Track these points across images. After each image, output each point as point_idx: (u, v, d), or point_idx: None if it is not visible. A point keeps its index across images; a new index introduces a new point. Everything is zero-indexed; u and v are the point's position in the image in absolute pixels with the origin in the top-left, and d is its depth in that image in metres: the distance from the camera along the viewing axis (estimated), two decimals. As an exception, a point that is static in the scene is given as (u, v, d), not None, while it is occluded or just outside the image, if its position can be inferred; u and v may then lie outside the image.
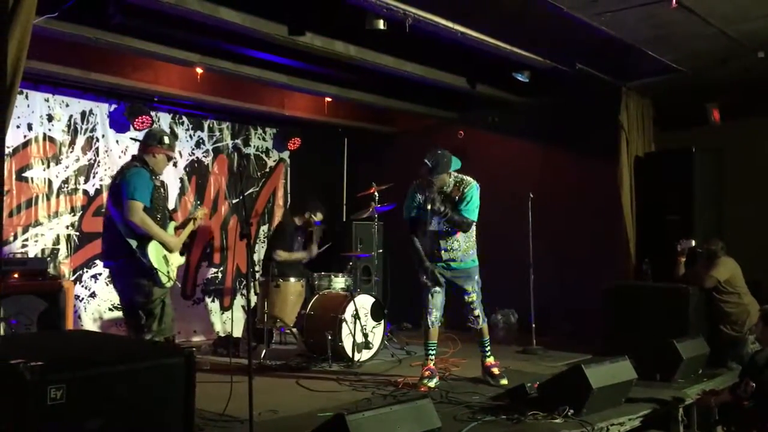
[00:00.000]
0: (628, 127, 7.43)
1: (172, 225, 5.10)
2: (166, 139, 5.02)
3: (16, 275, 6.28)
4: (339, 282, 7.17)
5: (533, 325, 7.34)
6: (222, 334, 8.13)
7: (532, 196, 7.42)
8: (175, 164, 8.39)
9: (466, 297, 5.79)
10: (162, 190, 5.04)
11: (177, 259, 5.08)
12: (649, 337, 5.94)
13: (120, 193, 4.76)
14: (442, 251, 5.78)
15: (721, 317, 6.39)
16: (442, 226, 5.71)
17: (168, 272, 4.86)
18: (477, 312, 5.78)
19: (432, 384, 5.51)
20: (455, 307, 8.49)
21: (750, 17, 5.46)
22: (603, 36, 5.83)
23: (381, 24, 5.42)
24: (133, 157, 5.07)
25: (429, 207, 5.55)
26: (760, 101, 7.21)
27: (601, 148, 7.62)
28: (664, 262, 6.82)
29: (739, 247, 6.66)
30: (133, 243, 4.70)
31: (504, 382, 5.59)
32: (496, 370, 5.73)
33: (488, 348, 5.87)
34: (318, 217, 7.48)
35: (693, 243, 6.64)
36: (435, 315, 5.74)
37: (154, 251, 4.76)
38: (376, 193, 7.26)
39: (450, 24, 5.68)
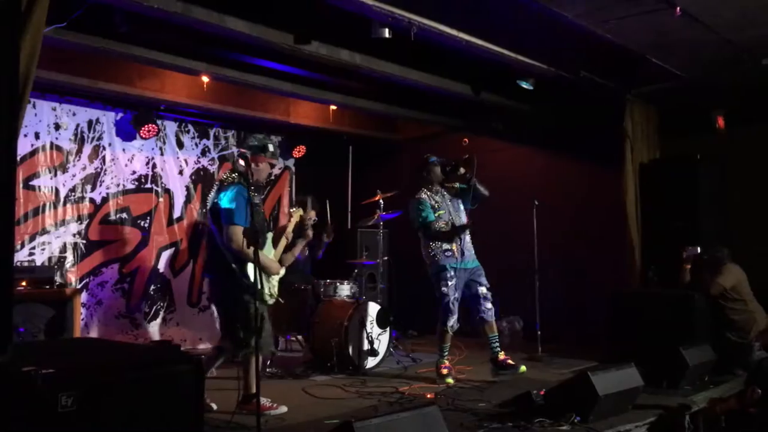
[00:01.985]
0: (633, 135, 7.44)
1: (269, 237, 5.06)
2: (270, 147, 4.93)
3: (23, 283, 6.30)
4: (344, 289, 7.18)
5: (539, 332, 7.33)
6: (228, 342, 8.12)
7: (537, 203, 7.43)
8: (180, 172, 8.44)
9: (484, 289, 6.18)
10: (258, 203, 4.95)
11: (281, 272, 5.08)
12: (655, 344, 5.93)
13: (218, 213, 4.71)
14: (465, 251, 6.17)
15: (726, 324, 6.38)
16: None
17: (269, 288, 4.88)
18: (490, 304, 6.14)
19: (451, 380, 5.91)
20: (463, 313, 8.51)
21: (755, 24, 5.48)
22: (607, 44, 5.85)
23: (386, 32, 5.43)
24: (233, 167, 4.97)
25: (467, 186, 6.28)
26: (764, 108, 7.21)
27: (605, 156, 7.62)
28: (670, 269, 6.82)
29: (745, 254, 6.65)
30: (233, 262, 4.68)
31: (523, 368, 5.94)
32: (511, 360, 6.01)
33: (498, 343, 6.14)
34: (310, 214, 7.41)
35: (698, 250, 6.64)
36: (455, 320, 6.07)
37: (255, 269, 4.68)
38: (381, 201, 7.28)
39: (455, 32, 5.70)
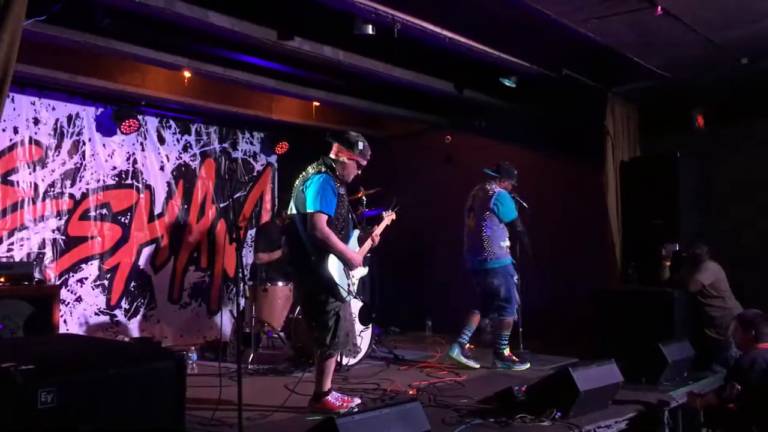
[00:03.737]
0: (614, 132, 7.49)
1: (356, 234, 4.96)
2: (360, 145, 4.85)
3: (1, 279, 6.24)
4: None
5: (520, 329, 7.36)
6: (209, 339, 8.11)
7: (519, 200, 7.45)
8: (162, 168, 8.39)
9: None
10: (345, 197, 4.82)
11: (359, 271, 4.95)
12: (635, 340, 5.98)
13: (303, 202, 4.62)
14: None
15: (706, 321, 6.45)
16: None
17: (348, 285, 4.76)
18: None
19: (525, 368, 6.32)
20: (449, 311, 8.54)
21: (734, 24, 5.54)
22: (589, 42, 5.88)
23: (370, 29, 5.43)
24: (321, 160, 4.85)
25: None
26: (743, 107, 7.29)
27: (587, 153, 7.67)
28: (650, 266, 6.88)
29: (724, 252, 6.73)
30: (314, 254, 4.58)
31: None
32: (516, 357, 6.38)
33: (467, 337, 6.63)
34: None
35: (677, 247, 6.71)
36: None
37: (335, 264, 4.63)
38: (363, 198, 7.27)
39: (438, 29, 5.71)
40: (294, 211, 4.76)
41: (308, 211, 4.57)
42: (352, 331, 4.90)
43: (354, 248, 4.92)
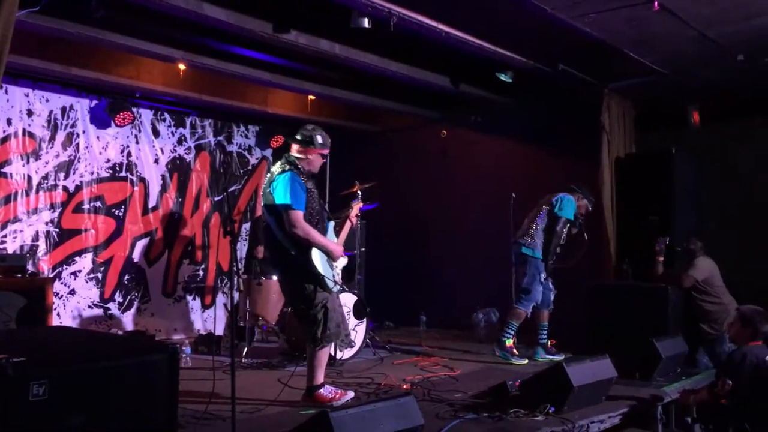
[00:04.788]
0: (610, 128, 7.49)
1: (331, 225, 4.97)
2: (320, 138, 4.83)
3: (-6, 271, 6.21)
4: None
5: (515, 324, 7.37)
6: (203, 332, 8.09)
7: (514, 196, 7.46)
8: (156, 161, 8.36)
9: None
10: (314, 190, 4.81)
11: (341, 261, 4.98)
12: (629, 335, 6.00)
13: (275, 201, 4.63)
14: None
15: (700, 316, 6.47)
16: None
17: (333, 275, 4.77)
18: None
19: (522, 362, 6.41)
20: (443, 306, 8.54)
21: (730, 20, 5.53)
22: (585, 37, 5.87)
23: (366, 22, 5.41)
24: (285, 158, 4.86)
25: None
26: (739, 104, 7.30)
27: (582, 149, 7.67)
28: (645, 262, 6.89)
29: (718, 248, 6.75)
30: (295, 251, 4.60)
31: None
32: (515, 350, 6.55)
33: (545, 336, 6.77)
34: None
35: (668, 240, 6.74)
36: None
37: (317, 256, 4.64)
38: (359, 192, 7.24)
39: (434, 23, 5.69)
40: (265, 213, 4.78)
41: (282, 210, 4.59)
42: (344, 322, 4.88)
43: (332, 239, 4.93)
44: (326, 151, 4.95)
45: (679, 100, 7.51)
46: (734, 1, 5.17)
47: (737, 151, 7.40)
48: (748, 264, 6.95)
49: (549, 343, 6.78)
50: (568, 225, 6.69)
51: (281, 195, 4.59)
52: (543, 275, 6.60)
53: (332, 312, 4.69)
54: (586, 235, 6.85)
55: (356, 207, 5.34)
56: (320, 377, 4.79)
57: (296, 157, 4.83)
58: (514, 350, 6.53)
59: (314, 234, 4.60)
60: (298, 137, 4.89)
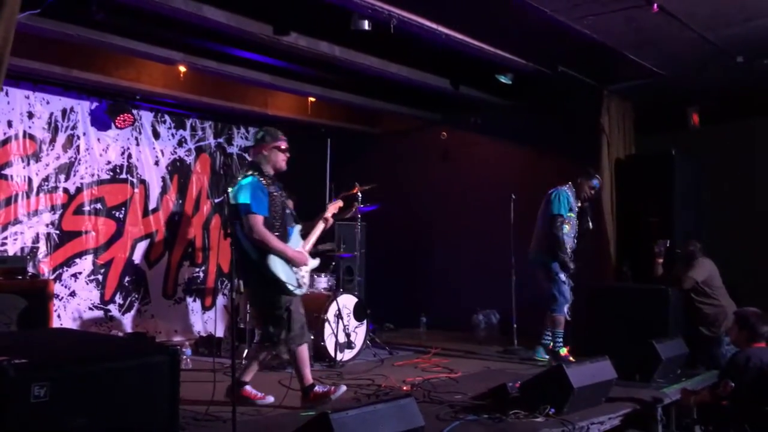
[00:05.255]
0: (609, 130, 7.50)
1: (297, 229, 4.94)
2: (268, 137, 4.85)
3: (-5, 273, 6.21)
4: (321, 282, 7.17)
5: (515, 326, 7.39)
6: (203, 334, 8.10)
7: (514, 197, 7.47)
8: (157, 163, 8.36)
9: None
10: (279, 193, 4.84)
11: (310, 263, 4.96)
12: (628, 337, 5.98)
13: (237, 206, 4.64)
14: None
15: (698, 318, 6.47)
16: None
17: (297, 279, 4.77)
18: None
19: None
20: (443, 307, 8.54)
21: (730, 23, 5.54)
22: (585, 39, 5.88)
23: (366, 25, 5.42)
24: (248, 164, 4.91)
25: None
26: (738, 105, 7.31)
27: (582, 151, 7.67)
28: (645, 264, 6.90)
29: (718, 249, 6.75)
30: (254, 255, 4.62)
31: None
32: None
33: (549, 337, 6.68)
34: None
35: (668, 243, 6.74)
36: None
37: (277, 260, 4.64)
38: (359, 194, 7.26)
39: (434, 25, 5.71)
40: (231, 218, 4.81)
41: (242, 214, 4.61)
42: (307, 324, 4.91)
43: (296, 244, 4.89)
44: (281, 144, 4.90)
45: (679, 101, 7.52)
46: (733, 3, 5.18)
47: (737, 152, 7.41)
48: (747, 265, 6.96)
49: (551, 344, 6.72)
50: (567, 217, 6.60)
51: (242, 199, 4.63)
52: (562, 275, 6.55)
53: (296, 314, 4.72)
54: (590, 222, 6.82)
55: (332, 207, 5.29)
56: (309, 376, 4.83)
57: (257, 161, 4.83)
58: (570, 357, 6.36)
59: (271, 239, 4.60)
60: (251, 142, 4.91)
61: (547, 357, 6.58)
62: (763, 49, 6.14)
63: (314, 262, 5.05)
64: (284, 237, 4.77)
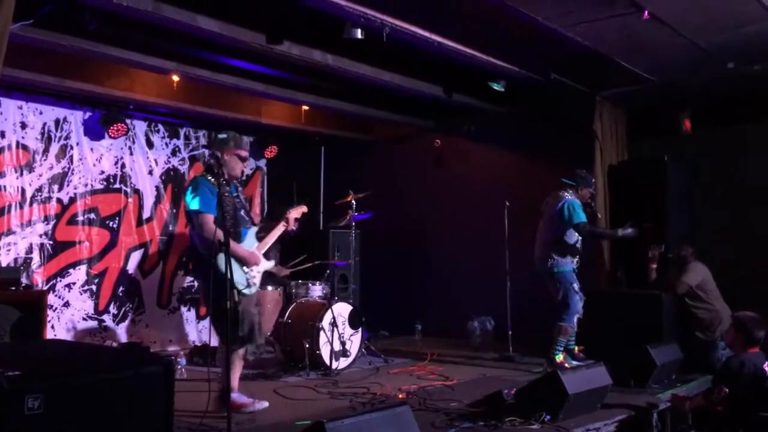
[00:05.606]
0: (602, 136, 7.53)
1: (252, 230, 4.94)
2: (232, 142, 4.83)
3: (-12, 284, 6.19)
4: (316, 290, 7.16)
5: (510, 332, 7.39)
6: (198, 344, 8.07)
7: (508, 204, 7.48)
8: (150, 172, 8.36)
9: None
10: (233, 195, 4.87)
11: (264, 264, 4.98)
12: (623, 343, 6.00)
13: (187, 207, 4.71)
14: None
15: (693, 322, 6.49)
16: None
17: (248, 279, 4.81)
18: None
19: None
20: (439, 314, 8.54)
21: (720, 29, 5.58)
22: (577, 46, 5.91)
23: (358, 33, 5.43)
24: (205, 166, 4.98)
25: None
26: (730, 111, 7.35)
27: (575, 157, 7.69)
28: (639, 269, 6.92)
29: (711, 254, 6.77)
30: (206, 254, 4.62)
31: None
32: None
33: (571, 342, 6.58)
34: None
35: (663, 248, 6.76)
36: None
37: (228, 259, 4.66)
38: (353, 201, 7.27)
39: (427, 33, 5.73)
40: (186, 219, 4.90)
41: (192, 214, 4.69)
42: (259, 326, 4.89)
43: (250, 245, 4.91)
44: (242, 152, 4.89)
45: (671, 107, 7.55)
46: (724, 10, 5.21)
47: (729, 157, 7.44)
48: (741, 269, 6.98)
49: (576, 348, 6.67)
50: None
51: (190, 199, 4.69)
52: (576, 285, 6.50)
53: (244, 314, 4.74)
54: (598, 214, 6.87)
55: (294, 212, 5.26)
56: (235, 383, 4.82)
57: (212, 163, 4.80)
58: (566, 364, 6.35)
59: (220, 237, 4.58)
60: (214, 142, 4.95)
61: (574, 362, 6.50)
62: (753, 54, 6.18)
63: (267, 264, 5.07)
64: (237, 237, 4.78)
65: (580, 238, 6.60)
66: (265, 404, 4.99)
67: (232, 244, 4.59)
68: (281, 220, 5.18)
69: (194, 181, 4.78)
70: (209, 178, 4.73)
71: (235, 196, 4.89)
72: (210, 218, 4.61)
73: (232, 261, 4.58)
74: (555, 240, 6.54)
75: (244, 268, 4.84)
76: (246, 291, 4.82)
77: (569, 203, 6.52)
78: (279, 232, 5.15)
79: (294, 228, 6.32)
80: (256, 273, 4.94)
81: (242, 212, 4.92)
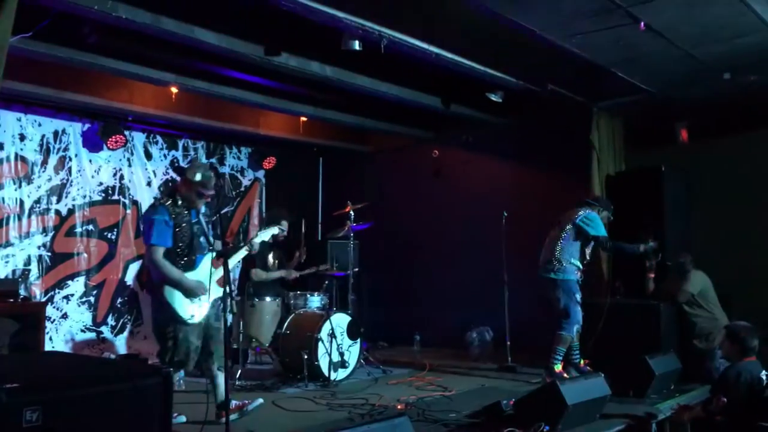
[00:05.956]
0: (600, 147, 7.55)
1: (208, 257, 4.88)
2: (198, 176, 4.81)
3: (-14, 296, 6.18)
4: (315, 301, 7.15)
5: (508, 343, 7.38)
6: (196, 355, 8.04)
7: (506, 214, 7.49)
8: (149, 183, 8.36)
9: None
10: (192, 222, 4.87)
11: (214, 293, 4.90)
12: (622, 353, 5.99)
13: (143, 234, 4.87)
14: None
15: (691, 331, 6.49)
16: None
17: (193, 309, 4.81)
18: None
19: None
20: (437, 325, 8.52)
21: (716, 40, 5.61)
22: (574, 58, 5.94)
23: (356, 45, 5.46)
24: (169, 188, 5.05)
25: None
26: (726, 121, 7.38)
27: (573, 167, 7.73)
28: (637, 279, 6.92)
29: (708, 263, 6.78)
30: (156, 281, 4.78)
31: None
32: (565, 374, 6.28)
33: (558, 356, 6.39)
34: (283, 225, 7.36)
35: (660, 256, 6.76)
36: None
37: (173, 289, 4.76)
38: (351, 212, 7.28)
39: (424, 45, 5.75)
40: None
41: (145, 243, 4.81)
42: (194, 352, 4.88)
43: (205, 272, 4.83)
44: (205, 191, 4.87)
45: (668, 118, 7.59)
46: (719, 22, 5.24)
47: (725, 167, 7.46)
48: (737, 279, 6.99)
49: (582, 362, 6.55)
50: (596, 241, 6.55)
51: (145, 230, 4.80)
52: (578, 295, 6.44)
53: (182, 341, 4.79)
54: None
55: (261, 235, 5.39)
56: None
57: (178, 189, 4.92)
58: (564, 374, 6.30)
59: (167, 269, 4.71)
60: (185, 171, 4.99)
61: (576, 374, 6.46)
62: (749, 65, 6.20)
63: (217, 292, 4.90)
64: (190, 265, 4.84)
65: (588, 251, 6.57)
66: (260, 400, 5.17)
67: (179, 275, 4.73)
68: (245, 244, 5.27)
69: (153, 211, 4.85)
70: (167, 204, 4.79)
71: (194, 222, 4.90)
72: (160, 251, 4.70)
73: (177, 292, 4.74)
74: (564, 248, 6.48)
75: (192, 298, 4.82)
76: (189, 321, 4.83)
77: (588, 215, 6.49)
78: (241, 256, 5.25)
79: (284, 231, 6.35)
80: (204, 302, 4.89)
81: (201, 239, 4.93)
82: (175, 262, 4.75)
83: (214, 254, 4.87)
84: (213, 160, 9.06)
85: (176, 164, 8.63)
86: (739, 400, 4.51)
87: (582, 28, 5.30)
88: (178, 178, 5.02)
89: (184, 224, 4.80)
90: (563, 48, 5.70)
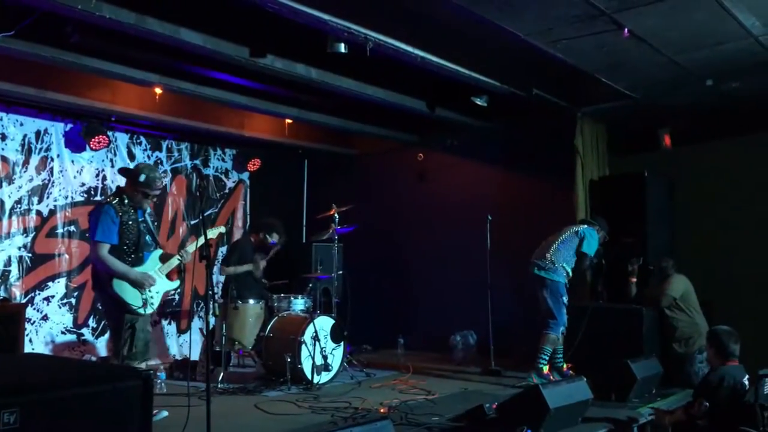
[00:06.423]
0: (583, 152, 7.60)
1: (156, 254, 5.21)
2: (142, 177, 5.04)
3: (-35, 297, 6.10)
4: (298, 304, 7.13)
5: (492, 346, 7.39)
6: (178, 358, 8.00)
7: (490, 218, 7.51)
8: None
9: None
10: (139, 221, 5.11)
11: (164, 285, 5.23)
12: (604, 357, 6.02)
13: (89, 231, 5.02)
14: None
15: (672, 335, 6.53)
16: None
17: (144, 299, 5.00)
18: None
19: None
20: (421, 329, 8.53)
21: (699, 46, 5.66)
22: (559, 63, 5.97)
23: (342, 47, 5.46)
24: (117, 187, 5.25)
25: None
26: (708, 127, 7.45)
27: (557, 172, 7.77)
28: (619, 283, 6.97)
29: (690, 269, 6.84)
30: (104, 277, 4.93)
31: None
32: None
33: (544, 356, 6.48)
34: (273, 237, 7.40)
35: (641, 260, 6.83)
36: None
37: (122, 282, 4.93)
38: (336, 215, 7.27)
39: (410, 48, 5.76)
40: None
41: (90, 240, 5.02)
42: (151, 343, 5.16)
43: (152, 267, 5.17)
44: (150, 191, 5.13)
45: (651, 123, 7.65)
46: (702, 29, 5.29)
47: (707, 172, 7.53)
48: (719, 283, 7.05)
49: (564, 366, 6.63)
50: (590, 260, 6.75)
51: (92, 226, 4.97)
52: (565, 298, 6.54)
53: (139, 332, 4.99)
54: (604, 261, 6.94)
55: (193, 245, 5.48)
56: None
57: (125, 189, 5.13)
58: (551, 376, 6.36)
59: (112, 264, 4.90)
60: (129, 173, 5.20)
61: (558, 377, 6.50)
62: (731, 72, 6.27)
63: (167, 285, 5.32)
64: (138, 261, 5.08)
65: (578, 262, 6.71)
66: (165, 413, 5.12)
67: (124, 268, 4.94)
68: (178, 253, 5.42)
69: (99, 209, 4.99)
70: (114, 203, 4.98)
71: (141, 221, 5.13)
72: (106, 247, 4.89)
73: (126, 284, 4.94)
74: (560, 251, 6.60)
75: (141, 289, 5.03)
76: (141, 311, 5.02)
77: (589, 231, 6.73)
78: (173, 265, 5.37)
79: (276, 245, 6.41)
80: (155, 293, 5.14)
81: (147, 237, 5.18)
82: (123, 259, 4.96)
83: (161, 251, 5.25)
84: (197, 162, 9.02)
85: (160, 165, 8.57)
86: (722, 404, 4.54)
87: (566, 33, 5.34)
88: (128, 182, 5.19)
89: (130, 222, 5.02)
90: (548, 53, 5.73)
